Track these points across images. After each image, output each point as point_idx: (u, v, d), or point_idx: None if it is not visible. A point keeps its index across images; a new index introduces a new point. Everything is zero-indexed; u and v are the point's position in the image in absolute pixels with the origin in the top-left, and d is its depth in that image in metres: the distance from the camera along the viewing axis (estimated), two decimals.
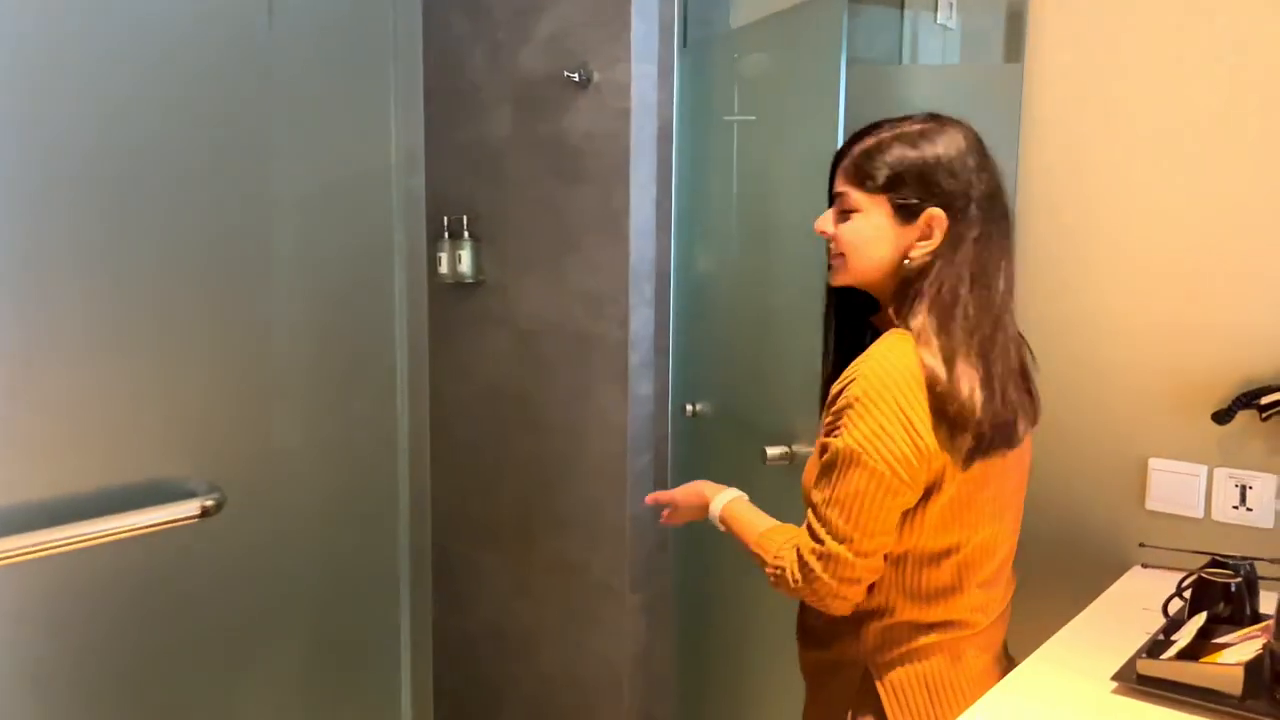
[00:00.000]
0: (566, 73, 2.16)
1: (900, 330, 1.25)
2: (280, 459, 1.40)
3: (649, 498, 1.55)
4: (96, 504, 1.18)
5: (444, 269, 2.42)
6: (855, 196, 1.27)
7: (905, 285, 1.26)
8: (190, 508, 1.20)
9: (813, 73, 1.77)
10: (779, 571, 1.22)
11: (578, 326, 2.24)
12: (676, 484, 1.56)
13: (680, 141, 2.16)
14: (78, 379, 1.19)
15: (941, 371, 1.18)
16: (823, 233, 1.30)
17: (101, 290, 1.20)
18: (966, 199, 1.26)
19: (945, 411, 1.18)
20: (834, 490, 1.18)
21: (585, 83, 2.16)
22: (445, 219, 2.43)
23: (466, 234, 2.41)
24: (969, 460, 1.20)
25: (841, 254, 1.28)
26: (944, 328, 1.21)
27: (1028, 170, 1.70)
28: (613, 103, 2.12)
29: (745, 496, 1.39)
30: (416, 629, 1.56)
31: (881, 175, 1.26)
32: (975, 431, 1.19)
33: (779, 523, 1.31)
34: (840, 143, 1.37)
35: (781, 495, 1.46)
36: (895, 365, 1.20)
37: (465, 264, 2.40)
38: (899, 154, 1.27)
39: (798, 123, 1.92)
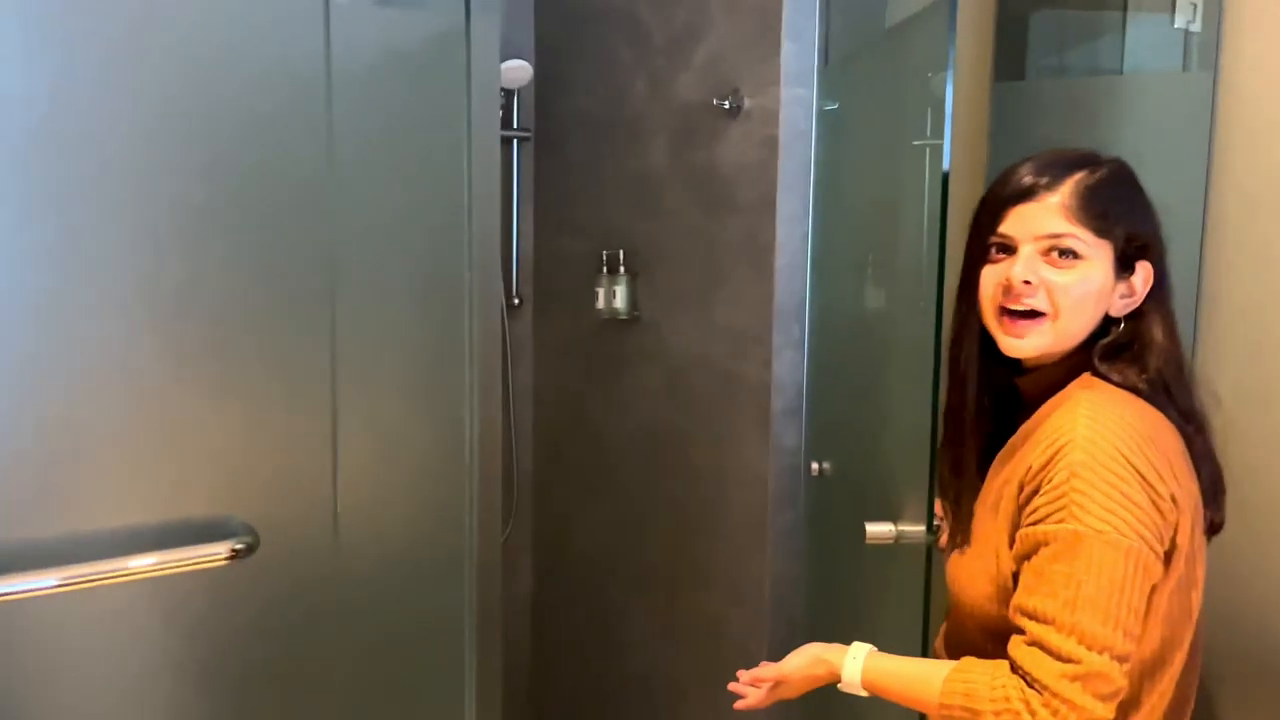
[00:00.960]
0: (716, 100, 2.05)
1: (1094, 383, 1.08)
2: (347, 504, 1.37)
3: (744, 679, 1.27)
4: (136, 540, 1.20)
5: (601, 304, 2.37)
6: (1083, 240, 1.06)
7: (1111, 348, 1.09)
8: (219, 549, 1.19)
9: (952, 89, 1.56)
10: (1013, 717, 0.97)
11: (722, 367, 2.11)
12: (811, 556, 1.39)
13: (820, 169, 1.98)
14: (126, 408, 1.21)
15: (1179, 423, 1.07)
16: (1026, 284, 1.07)
17: (157, 318, 1.22)
18: (1162, 245, 1.12)
19: (1182, 469, 1.04)
20: (1079, 588, 0.96)
21: (736, 110, 2.04)
22: (604, 254, 2.37)
23: (623, 269, 2.34)
24: (1212, 526, 1.10)
25: (1045, 313, 1.07)
26: (1167, 383, 1.07)
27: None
28: (762, 130, 1.99)
29: (874, 648, 1.17)
30: (482, 686, 1.48)
31: (1115, 215, 1.07)
32: (1213, 490, 1.09)
33: (941, 661, 1.09)
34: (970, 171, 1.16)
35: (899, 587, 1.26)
36: (1116, 422, 1.02)
37: (620, 300, 2.33)
38: (1129, 193, 1.10)
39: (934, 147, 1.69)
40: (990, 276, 1.11)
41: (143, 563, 1.15)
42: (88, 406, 1.18)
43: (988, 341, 1.15)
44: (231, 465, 1.27)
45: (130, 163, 1.19)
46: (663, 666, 2.34)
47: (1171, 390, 1.08)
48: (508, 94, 2.54)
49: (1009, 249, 1.10)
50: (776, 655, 1.44)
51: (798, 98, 1.95)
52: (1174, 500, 1.00)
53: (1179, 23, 1.84)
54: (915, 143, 1.98)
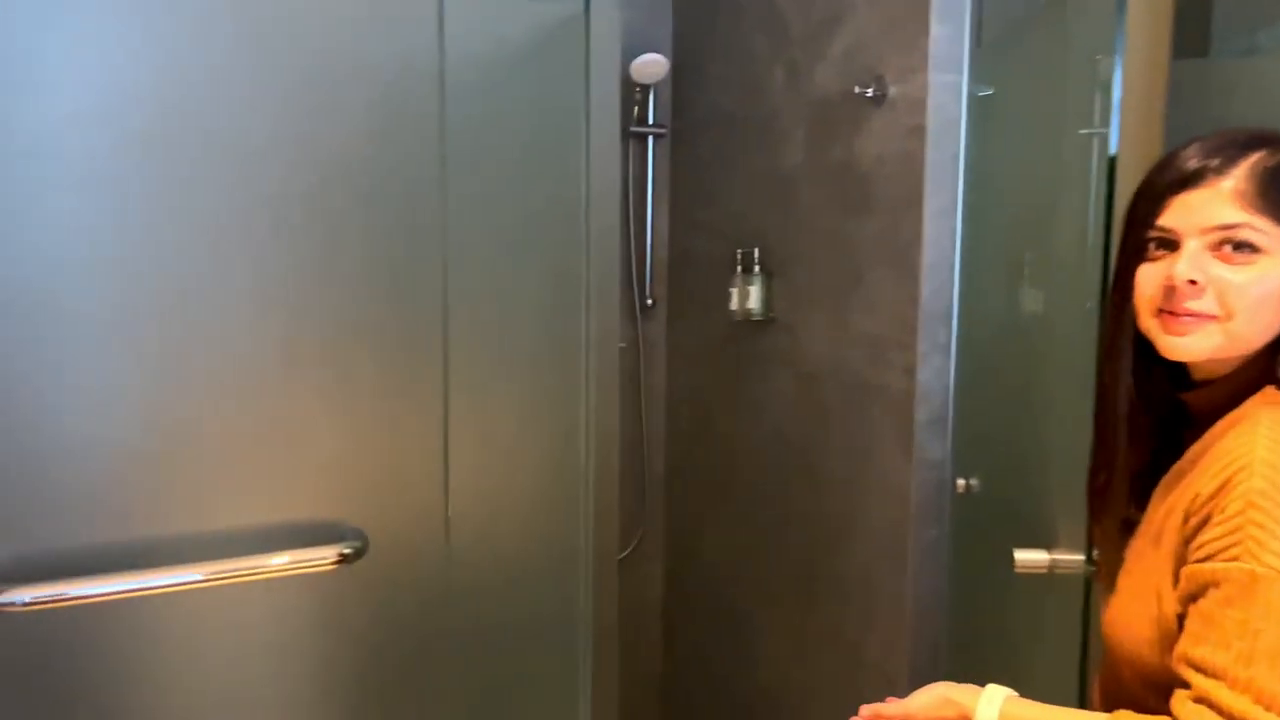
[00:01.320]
0: (858, 89, 1.92)
1: (1278, 399, 0.93)
2: (458, 509, 1.34)
3: (865, 714, 1.14)
4: (246, 542, 1.20)
5: (734, 305, 2.28)
6: (1262, 230, 0.91)
7: None
8: (327, 553, 1.17)
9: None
10: None
11: (859, 373, 1.99)
12: (956, 578, 1.27)
13: (972, 161, 1.83)
14: (242, 410, 1.20)
15: None
16: (1191, 285, 0.93)
17: (273, 319, 1.21)
18: None
19: None
20: (1255, 638, 0.83)
21: (879, 99, 1.91)
22: (738, 253, 2.28)
23: (758, 268, 2.24)
24: None
25: (1217, 316, 0.93)
26: None
27: None
28: (906, 120, 1.85)
29: (1014, 693, 1.02)
30: (597, 697, 1.42)
31: None
32: None
33: (1093, 715, 0.95)
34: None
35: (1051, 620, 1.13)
36: None
37: (754, 300, 2.24)
38: None
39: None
40: (1149, 276, 0.97)
41: (259, 564, 1.14)
42: (206, 407, 1.18)
43: (1145, 351, 1.00)
44: (342, 468, 1.26)
45: (251, 163, 1.19)
46: (793, 683, 2.24)
47: None
48: (643, 89, 2.49)
49: (1170, 244, 0.95)
50: (917, 681, 1.33)
51: (947, 84, 1.80)
52: None
53: None
54: (1081, 131, 1.81)
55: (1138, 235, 0.98)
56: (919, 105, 1.82)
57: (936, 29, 1.78)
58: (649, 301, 2.57)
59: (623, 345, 2.57)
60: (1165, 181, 0.96)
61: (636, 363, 2.57)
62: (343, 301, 1.25)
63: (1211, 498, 0.88)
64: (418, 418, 1.30)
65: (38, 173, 1.09)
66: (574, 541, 1.44)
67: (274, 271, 1.21)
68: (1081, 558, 1.23)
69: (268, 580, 1.20)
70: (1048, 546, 1.30)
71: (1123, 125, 1.50)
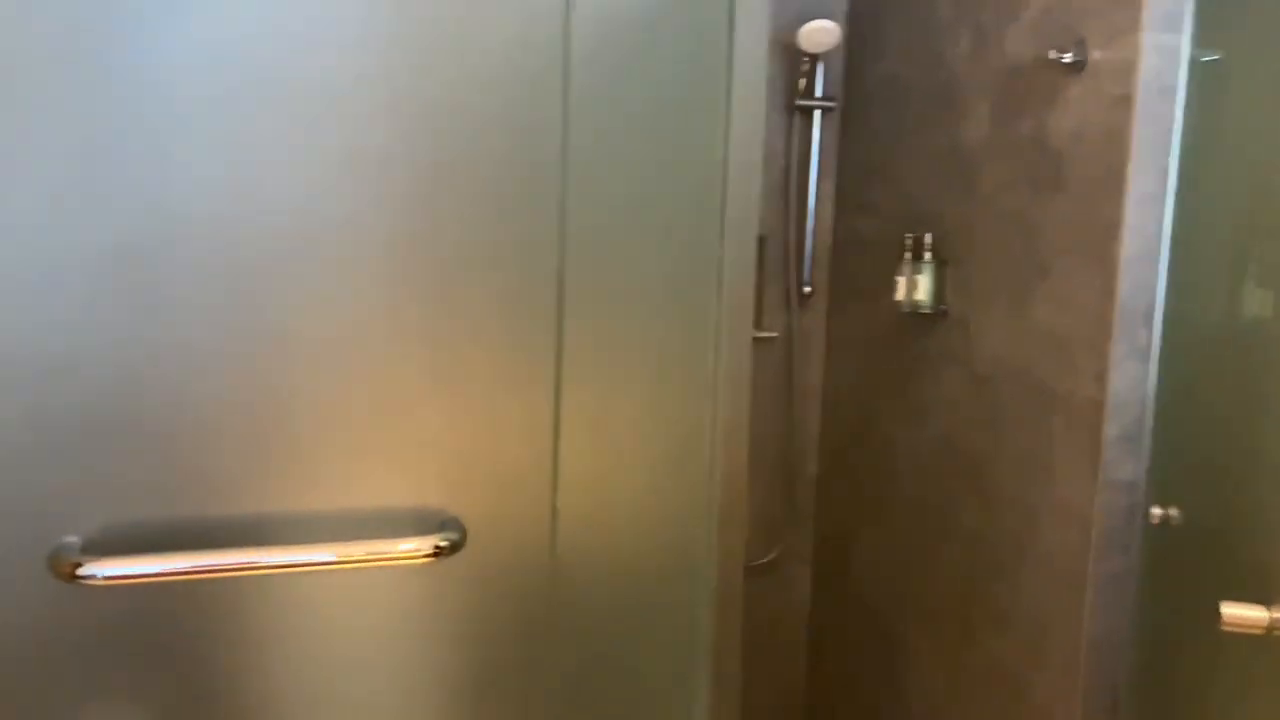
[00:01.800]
0: (1054, 53, 1.68)
1: None
2: (568, 505, 1.23)
3: None
4: (341, 527, 1.12)
5: (900, 295, 2.07)
6: None
7: None
8: (422, 544, 1.08)
9: None
10: None
11: (1040, 377, 1.75)
12: (1145, 620, 1.06)
13: (1190, 138, 1.56)
14: (344, 389, 1.12)
15: None
16: None
17: (378, 297, 1.13)
18: None
19: None
20: None
21: (1079, 64, 1.66)
22: (908, 237, 2.07)
23: (928, 255, 2.03)
24: None
25: None
26: None
27: None
28: (1111, 88, 1.60)
29: None
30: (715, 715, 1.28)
31: None
32: None
33: None
34: None
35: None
36: None
37: (923, 290, 2.02)
38: None
39: None
40: None
41: (328, 556, 1.06)
42: (301, 379, 1.11)
43: None
44: (444, 454, 1.16)
45: (364, 125, 1.11)
46: (948, 718, 2.02)
47: None
48: (811, 59, 2.30)
49: None
50: None
51: (1163, 45, 1.54)
52: None
53: None
54: None
55: None
56: (1127, 71, 1.57)
57: None
58: (806, 290, 2.38)
59: (775, 335, 2.40)
60: None
61: (789, 356, 2.40)
62: (454, 278, 1.15)
63: None
64: (527, 405, 1.19)
65: (152, 121, 1.04)
66: (696, 548, 1.29)
67: (383, 241, 1.12)
68: None
69: (356, 569, 1.12)
70: (1266, 601, 1.06)
71: None
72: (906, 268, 2.06)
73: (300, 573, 1.11)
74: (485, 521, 1.19)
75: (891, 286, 2.10)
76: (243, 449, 1.10)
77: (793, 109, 2.33)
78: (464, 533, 1.14)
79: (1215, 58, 1.66)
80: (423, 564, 1.13)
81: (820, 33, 2.20)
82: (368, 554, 1.08)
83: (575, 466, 1.22)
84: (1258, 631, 1.03)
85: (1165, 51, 1.55)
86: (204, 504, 1.09)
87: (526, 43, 1.15)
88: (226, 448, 1.09)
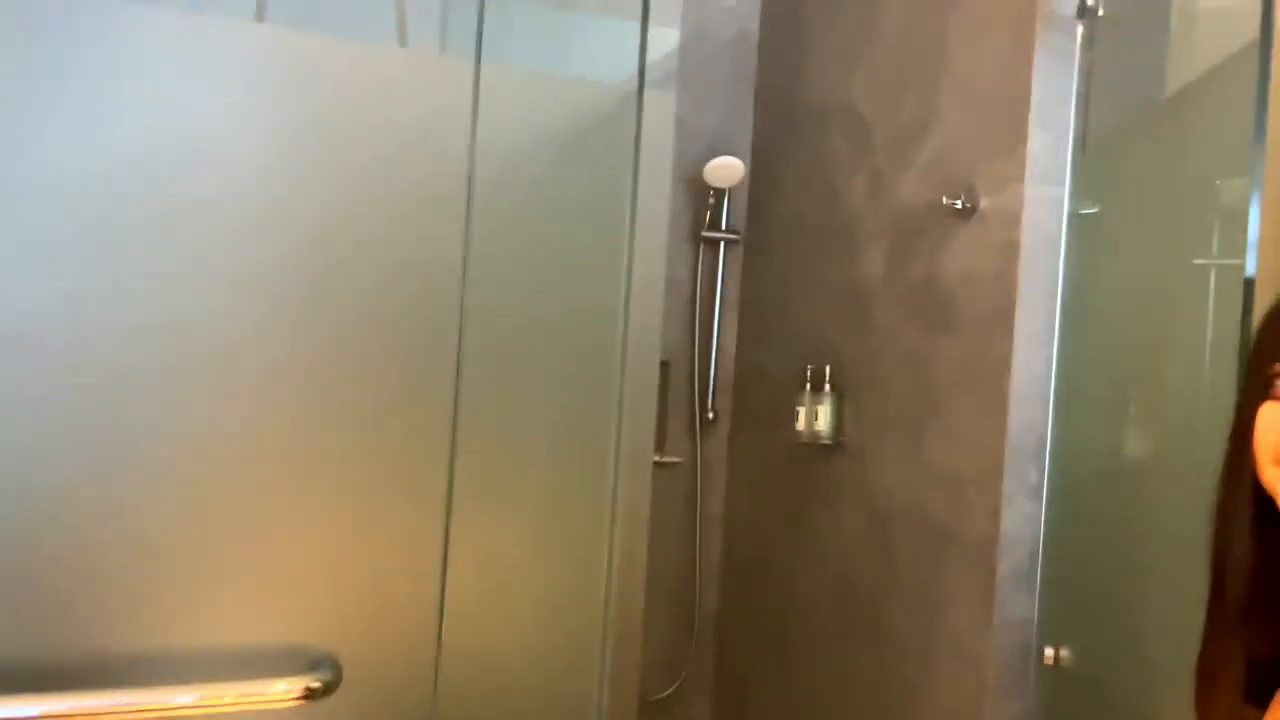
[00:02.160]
0: (946, 199, 1.76)
1: None
2: (453, 643, 1.16)
3: None
4: (200, 666, 1.03)
5: (800, 425, 2.08)
6: None
7: None
8: (291, 686, 1.00)
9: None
10: None
11: (934, 514, 1.76)
12: None
13: (1072, 284, 1.63)
14: (203, 507, 1.06)
15: None
16: None
17: (246, 403, 1.07)
18: None
19: None
20: None
21: (969, 210, 1.74)
22: (808, 369, 2.10)
23: (828, 387, 2.06)
24: None
25: None
26: None
27: None
28: (998, 235, 1.67)
29: None
30: None
31: None
32: None
33: None
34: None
35: None
36: None
37: (823, 421, 2.04)
38: None
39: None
40: (1271, 419, 0.77)
41: (187, 699, 0.98)
42: (169, 511, 1.04)
43: (1269, 511, 0.79)
44: (318, 586, 1.09)
45: (253, 243, 1.07)
46: None
47: None
48: (717, 193, 2.37)
49: None
50: None
51: (1046, 197, 1.62)
52: None
53: None
54: (1197, 261, 1.60)
55: (1261, 370, 0.78)
56: (1013, 219, 1.64)
57: (1037, 136, 1.62)
58: (710, 415, 2.39)
59: (679, 461, 2.39)
60: None
61: (693, 481, 2.38)
62: (338, 400, 1.10)
63: None
64: (414, 534, 1.14)
65: (22, 231, 0.99)
66: (588, 685, 1.23)
67: (262, 362, 1.08)
68: None
69: (218, 715, 1.03)
70: None
71: (1260, 256, 1.30)
72: (807, 398, 2.09)
73: (159, 718, 1.02)
74: (363, 658, 1.12)
75: (793, 416, 2.11)
76: (99, 580, 1.01)
77: (699, 239, 2.38)
78: (339, 671, 1.06)
79: (1093, 210, 1.76)
80: (293, 706, 1.05)
81: (725, 168, 2.27)
82: (234, 696, 1.00)
83: (463, 598, 1.16)
84: None
85: (1047, 202, 1.63)
86: (55, 641, 1.00)
87: (428, 167, 1.14)
88: (81, 579, 1.01)
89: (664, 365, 2.40)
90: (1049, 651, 1.47)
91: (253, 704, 1.00)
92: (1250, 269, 1.08)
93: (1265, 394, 0.79)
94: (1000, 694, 1.61)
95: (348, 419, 1.11)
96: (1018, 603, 1.61)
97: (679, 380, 2.39)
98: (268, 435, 1.08)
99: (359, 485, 1.11)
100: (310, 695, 1.01)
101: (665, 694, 2.35)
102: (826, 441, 2.04)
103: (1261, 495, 0.79)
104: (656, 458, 2.37)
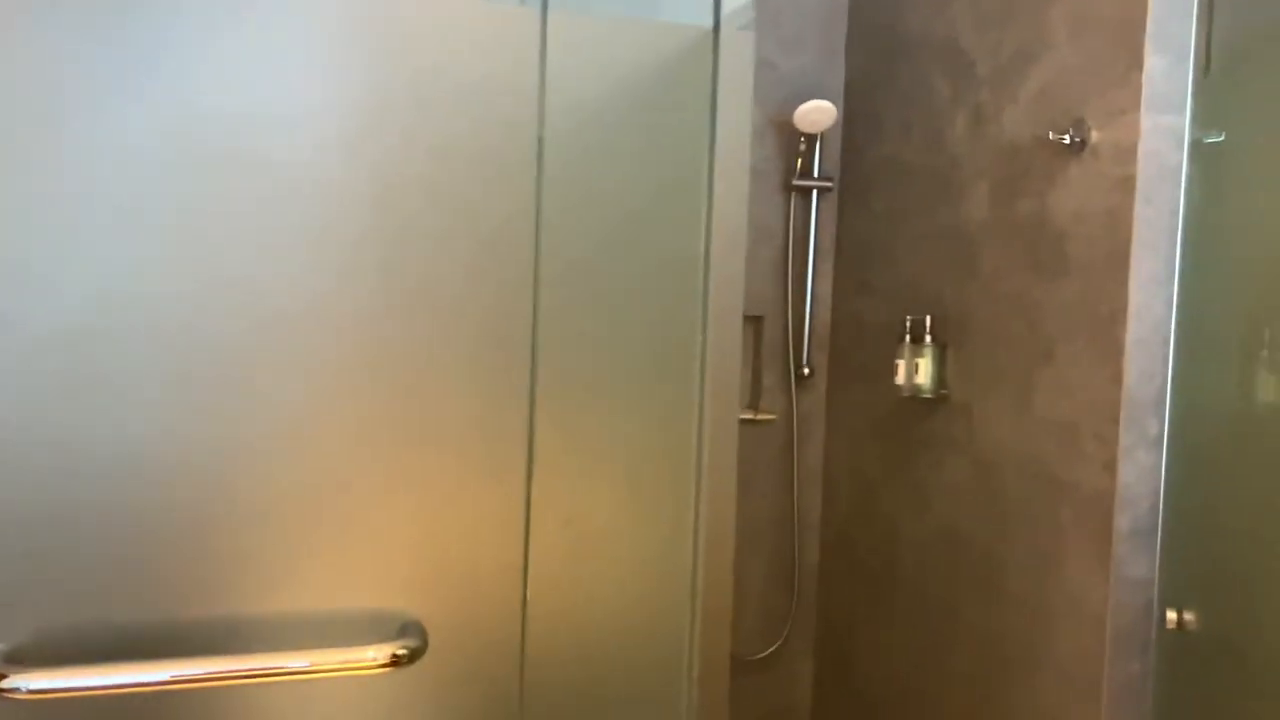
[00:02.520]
0: (1053, 134, 1.64)
1: None
2: (539, 607, 1.15)
3: None
4: (286, 632, 1.04)
5: (900, 379, 2.01)
6: None
7: None
8: (377, 653, 1.00)
9: None
10: None
11: (1046, 466, 1.67)
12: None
13: (1195, 219, 1.50)
14: (290, 478, 1.06)
15: None
16: None
17: (331, 379, 1.07)
18: None
19: None
20: None
21: (1079, 145, 1.62)
22: (907, 320, 2.02)
23: (929, 338, 1.97)
24: None
25: None
26: None
27: None
28: (1112, 170, 1.56)
29: None
30: None
31: None
32: None
33: None
34: None
35: None
36: None
37: (923, 374, 1.96)
38: None
39: None
40: None
41: (301, 664, 0.98)
42: (240, 465, 1.04)
43: None
44: (404, 555, 1.09)
45: (326, 207, 1.06)
46: None
47: None
48: (809, 139, 2.28)
49: None
50: None
51: (1164, 127, 1.50)
52: None
53: None
54: None
55: None
56: (1128, 152, 1.52)
57: (1153, 60, 1.49)
58: (805, 370, 2.32)
59: (773, 418, 2.33)
60: None
61: (789, 438, 2.32)
62: (420, 366, 1.09)
63: None
64: (496, 500, 1.12)
65: (105, 198, 0.99)
66: (678, 652, 1.21)
67: (347, 328, 1.07)
68: None
69: (306, 680, 1.04)
70: None
71: None
72: (906, 351, 2.00)
73: (244, 684, 1.03)
74: (449, 624, 1.11)
75: (891, 369, 2.03)
76: (187, 548, 1.03)
77: (791, 188, 2.30)
78: (425, 638, 1.06)
79: (1219, 139, 1.62)
80: (381, 673, 1.05)
81: (817, 112, 2.18)
82: (318, 663, 1.00)
83: (547, 564, 1.15)
84: None
85: (1166, 132, 1.50)
86: (143, 609, 1.02)
87: (499, 119, 1.11)
88: (169, 547, 1.02)
89: (758, 320, 2.33)
90: (1171, 614, 1.38)
91: (340, 670, 1.01)
92: None
93: None
94: (1121, 655, 1.52)
95: (425, 382, 1.10)
96: (1138, 561, 1.51)
97: (773, 335, 2.32)
98: (348, 399, 1.07)
99: (440, 449, 1.10)
100: (397, 662, 1.01)
101: (766, 653, 2.32)
102: (928, 395, 1.96)
103: None
104: (751, 414, 2.33)
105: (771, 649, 2.32)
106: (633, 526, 1.19)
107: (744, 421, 2.32)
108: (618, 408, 1.17)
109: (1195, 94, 1.47)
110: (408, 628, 1.07)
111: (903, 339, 2.01)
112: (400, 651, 1.02)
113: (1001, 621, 1.78)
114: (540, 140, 1.12)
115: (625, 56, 1.15)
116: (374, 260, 1.08)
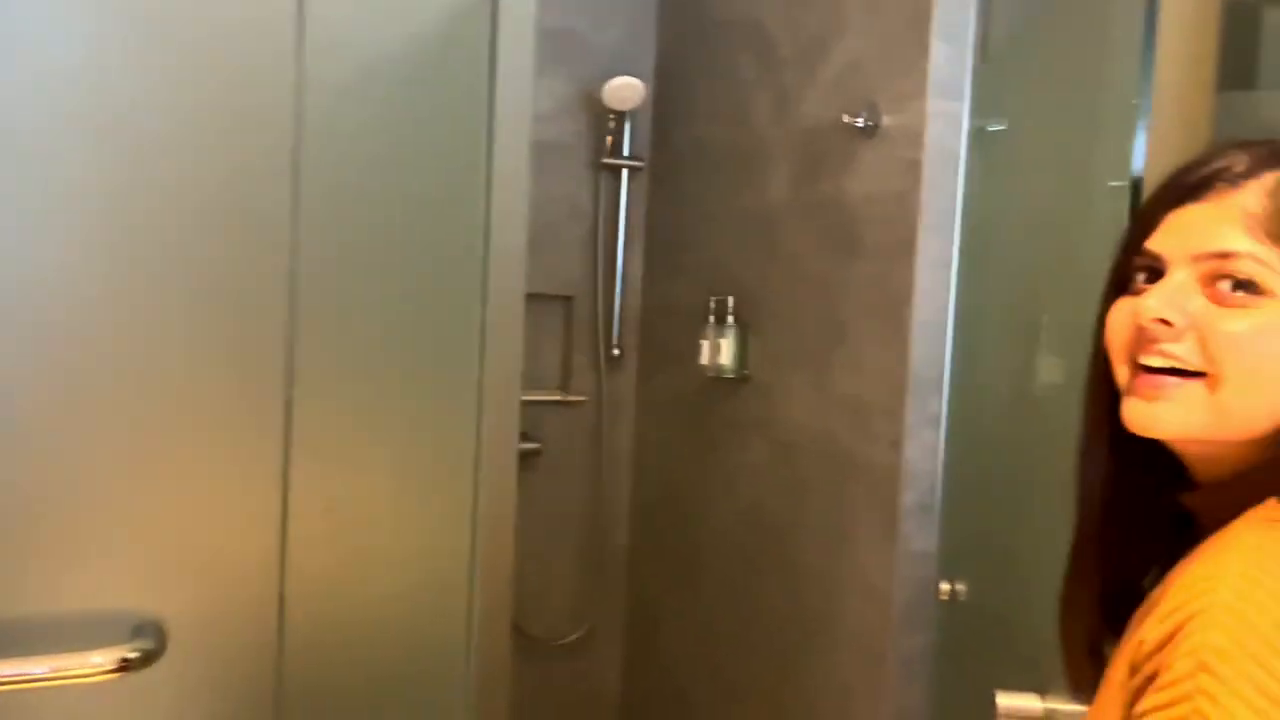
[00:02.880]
0: (848, 118, 1.67)
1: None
2: (298, 597, 1.07)
3: None
4: (28, 635, 0.93)
5: (704, 359, 2.01)
6: (1272, 266, 0.65)
7: None
8: (104, 659, 0.90)
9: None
10: None
11: (840, 444, 1.70)
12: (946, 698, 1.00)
13: (976, 204, 1.56)
14: (24, 472, 0.94)
15: None
16: (1162, 324, 0.66)
17: (76, 367, 0.95)
18: None
19: None
20: None
21: (870, 129, 1.65)
22: (712, 300, 2.02)
23: (731, 319, 1.97)
24: None
25: (1201, 374, 0.66)
26: None
27: None
28: (902, 154, 1.59)
29: None
30: None
31: None
32: None
33: None
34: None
35: None
36: None
37: (726, 355, 1.96)
38: None
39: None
40: (1122, 315, 0.70)
41: (13, 671, 0.87)
42: None
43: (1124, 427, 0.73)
44: (140, 549, 0.98)
45: (68, 179, 0.94)
46: None
47: None
48: (618, 117, 2.24)
49: (1157, 274, 0.69)
50: None
51: (947, 113, 1.54)
52: None
53: None
54: (1112, 184, 1.54)
55: (1120, 262, 0.72)
56: (916, 138, 1.56)
57: (938, 47, 1.53)
58: (616, 352, 2.30)
59: (583, 399, 2.30)
60: (1164, 196, 0.70)
61: (599, 419, 2.30)
62: (162, 343, 0.98)
63: (1159, 648, 0.61)
64: (248, 482, 1.03)
65: None
66: (455, 643, 1.15)
67: (80, 302, 0.95)
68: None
69: (30, 689, 0.93)
70: (1042, 690, 1.00)
71: (1160, 161, 1.23)
72: (711, 331, 2.00)
73: None
74: (196, 623, 1.01)
75: (697, 350, 2.03)
76: None
77: (601, 166, 2.27)
78: (163, 639, 0.96)
79: (1002, 127, 1.69)
80: (111, 679, 0.94)
81: (626, 89, 2.15)
82: (27, 674, 0.89)
83: (308, 554, 1.07)
84: None
85: (948, 119, 1.54)
86: None
87: (257, 85, 1.02)
88: None
89: (568, 300, 2.29)
90: (944, 586, 1.43)
91: (64, 679, 0.90)
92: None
93: (1122, 291, 0.72)
94: (904, 627, 1.56)
95: (169, 364, 0.99)
96: (921, 536, 1.56)
97: (584, 316, 2.29)
98: (79, 385, 0.96)
99: (185, 435, 1.00)
100: (127, 667, 0.91)
101: (574, 637, 2.29)
102: (731, 375, 1.97)
103: (1119, 411, 0.73)
104: (560, 396, 2.29)
105: (579, 633, 2.29)
106: (404, 512, 1.12)
107: (553, 403, 2.27)
108: (387, 389, 1.10)
109: (975, 82, 1.52)
110: (142, 628, 0.96)
111: (707, 320, 2.01)
112: (131, 655, 0.92)
113: (800, 599, 1.81)
114: (298, 108, 1.03)
115: (396, 17, 1.08)
116: (114, 235, 0.97)
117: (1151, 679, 0.60)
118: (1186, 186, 0.69)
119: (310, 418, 1.05)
